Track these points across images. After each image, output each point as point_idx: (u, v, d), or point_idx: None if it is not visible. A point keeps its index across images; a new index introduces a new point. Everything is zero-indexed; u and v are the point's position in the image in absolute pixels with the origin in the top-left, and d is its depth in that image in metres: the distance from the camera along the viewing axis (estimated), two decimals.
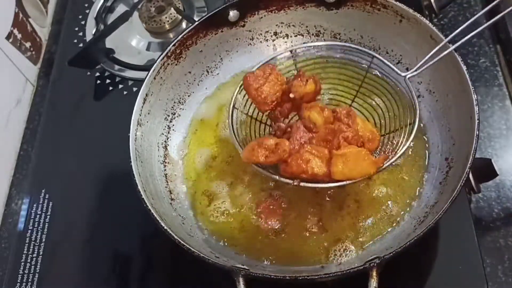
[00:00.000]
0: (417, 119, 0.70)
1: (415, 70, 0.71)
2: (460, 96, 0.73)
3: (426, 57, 0.70)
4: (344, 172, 0.64)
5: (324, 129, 0.67)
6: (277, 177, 0.68)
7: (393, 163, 0.68)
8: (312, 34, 0.87)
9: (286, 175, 0.66)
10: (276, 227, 0.75)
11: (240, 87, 0.74)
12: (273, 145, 0.65)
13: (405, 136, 0.70)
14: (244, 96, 0.75)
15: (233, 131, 0.73)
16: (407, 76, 0.72)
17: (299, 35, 0.88)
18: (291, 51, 0.78)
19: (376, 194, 0.76)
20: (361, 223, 0.75)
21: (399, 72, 0.72)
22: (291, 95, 0.70)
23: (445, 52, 0.70)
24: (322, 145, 0.66)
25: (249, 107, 0.76)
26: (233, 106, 0.75)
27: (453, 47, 0.69)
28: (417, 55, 0.81)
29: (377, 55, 0.74)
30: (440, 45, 0.70)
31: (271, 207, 0.76)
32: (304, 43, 0.84)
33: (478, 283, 0.73)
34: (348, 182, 0.65)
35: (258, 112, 0.76)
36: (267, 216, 0.76)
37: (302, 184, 0.66)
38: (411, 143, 0.69)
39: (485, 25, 0.69)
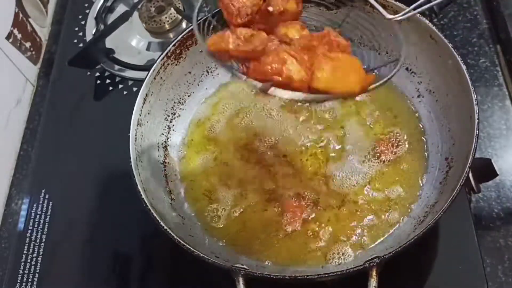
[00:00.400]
0: (403, 54, 0.64)
1: (400, 16, 0.70)
2: (460, 96, 0.73)
3: (413, 6, 0.69)
4: (329, 80, 0.54)
5: (309, 36, 0.60)
6: (244, 76, 0.57)
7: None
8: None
9: (255, 76, 0.56)
10: (299, 228, 0.75)
11: None
12: (248, 35, 0.57)
13: (391, 68, 0.63)
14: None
15: (196, 24, 0.64)
16: (394, 19, 0.69)
17: None
18: None
19: (376, 193, 0.76)
20: (361, 223, 0.75)
21: (385, 14, 0.69)
22: (270, 9, 0.61)
23: (430, 5, 0.67)
24: (303, 52, 0.57)
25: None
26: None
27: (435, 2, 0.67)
28: (417, 54, 0.81)
29: None
30: None
31: (296, 207, 0.76)
32: None
33: (478, 283, 0.73)
34: (325, 96, 0.56)
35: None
36: (292, 215, 0.76)
37: (272, 89, 0.55)
38: (395, 74, 0.62)
39: None
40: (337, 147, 0.81)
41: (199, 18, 0.65)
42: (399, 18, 0.69)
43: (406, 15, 0.68)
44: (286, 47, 0.57)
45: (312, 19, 0.74)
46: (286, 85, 0.55)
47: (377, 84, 0.59)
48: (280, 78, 0.55)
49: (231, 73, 0.59)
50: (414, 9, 0.68)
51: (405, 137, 0.80)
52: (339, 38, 0.59)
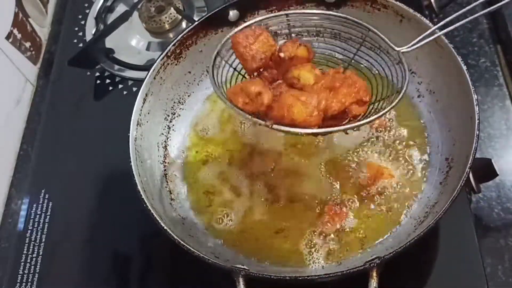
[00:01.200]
0: (405, 87, 0.66)
1: (409, 47, 0.70)
2: (460, 96, 0.73)
3: (421, 36, 0.69)
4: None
5: (330, 77, 0.65)
6: (249, 116, 0.63)
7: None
8: (312, 34, 0.86)
9: (271, 120, 0.62)
10: (333, 231, 0.75)
11: (226, 39, 0.69)
12: (255, 94, 0.62)
13: (391, 101, 0.67)
14: (229, 50, 0.69)
15: (213, 76, 0.68)
16: (401, 51, 0.70)
17: (299, 35, 0.88)
18: (286, 15, 0.74)
19: (376, 194, 0.76)
20: (362, 224, 0.75)
21: (393, 46, 0.71)
22: (281, 54, 0.66)
23: (438, 34, 0.69)
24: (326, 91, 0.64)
25: (234, 60, 0.71)
26: (217, 54, 0.70)
27: (447, 30, 0.68)
28: (417, 55, 0.81)
29: (372, 28, 0.72)
30: (439, 24, 0.69)
31: (336, 209, 0.76)
32: (305, 38, 0.84)
33: (478, 283, 0.73)
34: (329, 130, 0.62)
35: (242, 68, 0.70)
36: (331, 217, 0.76)
37: (275, 126, 0.61)
38: (394, 107, 0.65)
39: (481, 12, 0.68)
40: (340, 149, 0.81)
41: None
42: (406, 50, 0.69)
43: (413, 47, 0.69)
44: (294, 91, 0.62)
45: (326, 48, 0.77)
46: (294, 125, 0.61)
47: (376, 116, 0.63)
48: (288, 122, 0.61)
49: (250, 120, 0.64)
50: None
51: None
52: (359, 80, 0.65)
